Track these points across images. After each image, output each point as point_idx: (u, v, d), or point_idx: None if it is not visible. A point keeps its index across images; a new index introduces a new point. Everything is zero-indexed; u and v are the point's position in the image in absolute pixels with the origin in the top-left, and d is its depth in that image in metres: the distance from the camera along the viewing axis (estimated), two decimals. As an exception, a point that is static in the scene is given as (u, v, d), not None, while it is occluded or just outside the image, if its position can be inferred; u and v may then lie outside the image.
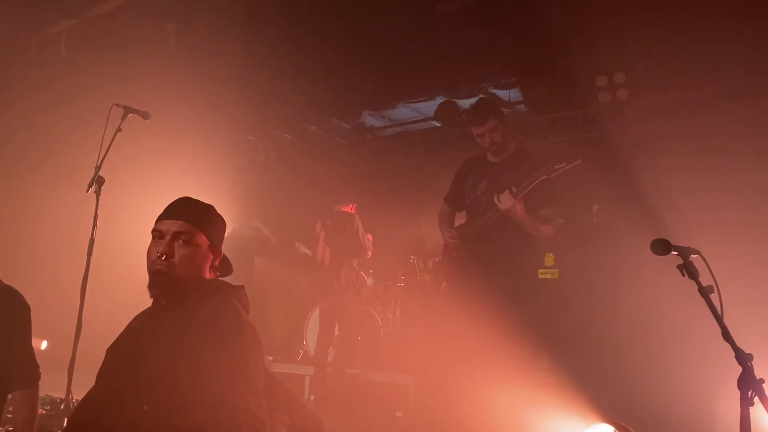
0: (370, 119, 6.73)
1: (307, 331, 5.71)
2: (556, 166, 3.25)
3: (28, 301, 2.91)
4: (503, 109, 5.89)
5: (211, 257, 1.96)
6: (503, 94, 5.93)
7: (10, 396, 2.81)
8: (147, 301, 1.97)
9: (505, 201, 3.26)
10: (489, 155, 3.63)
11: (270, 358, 5.55)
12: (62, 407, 3.49)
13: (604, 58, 4.93)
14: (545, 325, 4.05)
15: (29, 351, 2.81)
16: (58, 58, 5.78)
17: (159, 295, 1.89)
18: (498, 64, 5.38)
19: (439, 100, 6.10)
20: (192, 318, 1.83)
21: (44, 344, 5.01)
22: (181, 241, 1.88)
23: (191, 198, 2.01)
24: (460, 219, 3.85)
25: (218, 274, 2.00)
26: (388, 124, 6.82)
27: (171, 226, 1.89)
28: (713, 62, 4.61)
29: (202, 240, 1.92)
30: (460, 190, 3.74)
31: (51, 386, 3.45)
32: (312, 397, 5.21)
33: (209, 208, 2.01)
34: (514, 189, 3.27)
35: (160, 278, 1.85)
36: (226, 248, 2.06)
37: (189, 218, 1.91)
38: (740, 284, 2.45)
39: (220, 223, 2.02)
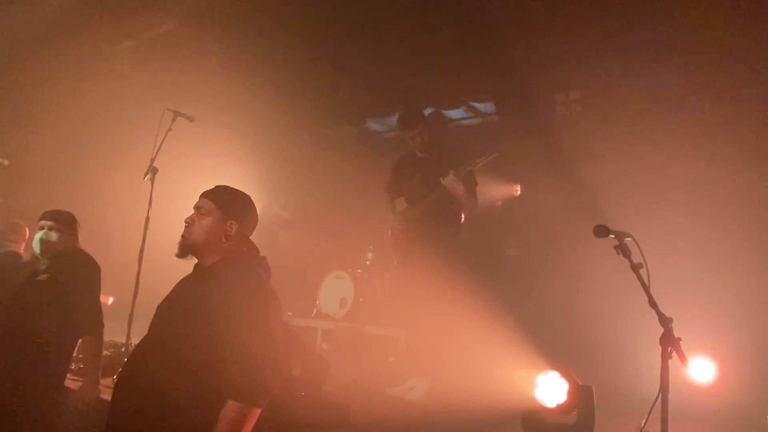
0: (372, 125, 6.70)
1: (321, 291, 5.70)
2: (477, 161, 3.36)
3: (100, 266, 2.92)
4: (479, 118, 5.90)
5: (225, 228, 1.92)
6: (480, 106, 5.89)
7: (80, 340, 2.83)
8: (189, 268, 1.99)
9: (451, 182, 3.35)
10: (417, 152, 3.65)
11: (290, 313, 5.55)
12: (123, 350, 3.51)
13: (560, 76, 4.92)
14: (510, 295, 4.08)
15: (97, 304, 2.82)
16: (120, 70, 5.76)
17: (180, 254, 1.92)
18: (475, 81, 5.36)
19: (428, 110, 6.06)
20: (223, 282, 1.83)
21: (111, 300, 5.03)
22: (199, 213, 1.91)
23: (224, 185, 2.02)
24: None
25: (236, 246, 1.94)
26: (387, 129, 6.78)
27: (198, 202, 1.95)
28: (655, 82, 4.59)
29: (215, 212, 1.91)
30: (398, 182, 3.76)
31: (115, 333, 3.48)
32: (324, 346, 5.23)
33: (232, 191, 2.01)
34: (453, 172, 3.35)
35: (181, 242, 1.91)
36: (257, 227, 2.05)
37: (210, 196, 1.95)
38: (666, 262, 2.45)
39: (241, 203, 2.00)
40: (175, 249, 1.92)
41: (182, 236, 1.90)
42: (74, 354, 2.89)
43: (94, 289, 2.82)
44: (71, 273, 2.73)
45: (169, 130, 3.67)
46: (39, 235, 2.76)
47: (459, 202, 3.49)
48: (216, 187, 2.00)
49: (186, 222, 1.92)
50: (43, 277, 2.72)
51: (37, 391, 2.56)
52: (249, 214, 2.01)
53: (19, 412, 2.50)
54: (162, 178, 3.63)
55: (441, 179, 3.40)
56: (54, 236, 2.76)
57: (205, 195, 1.96)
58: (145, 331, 1.90)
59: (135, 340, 3.40)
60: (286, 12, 4.66)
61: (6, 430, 2.47)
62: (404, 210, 3.73)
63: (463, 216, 3.66)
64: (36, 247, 2.77)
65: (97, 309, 2.80)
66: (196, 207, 1.93)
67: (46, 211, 2.85)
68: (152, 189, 3.60)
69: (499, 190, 5.48)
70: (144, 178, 3.60)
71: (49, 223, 2.78)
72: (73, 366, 2.93)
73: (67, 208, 2.97)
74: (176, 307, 1.88)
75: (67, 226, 2.82)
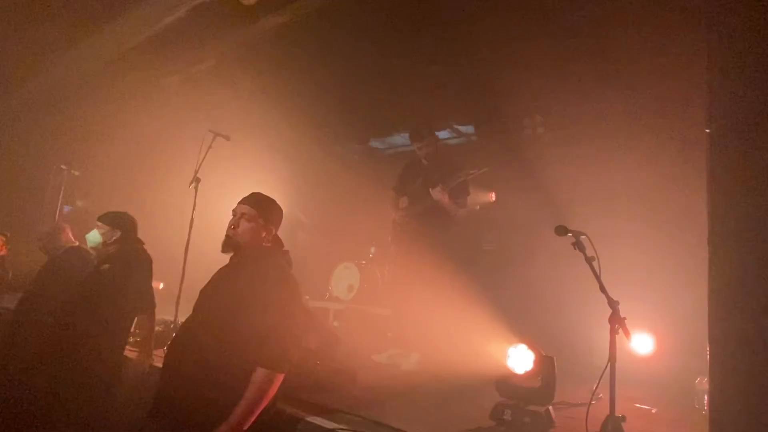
0: (374, 143, 6.68)
1: (332, 279, 5.69)
2: (471, 172, 3.32)
3: (151, 258, 2.92)
4: (462, 138, 5.87)
5: (264, 232, 1.92)
6: (462, 128, 5.88)
7: (136, 318, 2.82)
8: (226, 259, 1.98)
9: (437, 194, 3.31)
10: (423, 160, 3.64)
11: (307, 297, 5.53)
12: (171, 326, 3.50)
13: (527, 104, 4.93)
14: (486, 282, 4.05)
15: (150, 289, 2.82)
16: (170, 98, 5.76)
17: (225, 250, 1.90)
18: (458, 108, 5.37)
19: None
20: (253, 272, 1.83)
21: (161, 285, 5.00)
22: (244, 218, 1.88)
23: (259, 192, 2.00)
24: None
25: (269, 244, 1.95)
26: (387, 147, 6.77)
27: (241, 208, 1.92)
28: (604, 106, 4.60)
29: (258, 219, 1.90)
30: (404, 183, 3.74)
31: (165, 312, 3.46)
32: (335, 323, 5.22)
33: (268, 200, 1.99)
34: (441, 186, 3.32)
35: (227, 240, 1.88)
36: (281, 226, 2.03)
37: (252, 204, 1.92)
38: (614, 255, 2.44)
39: (275, 210, 1.99)
40: (220, 245, 1.89)
41: (227, 236, 1.88)
42: (132, 329, 2.89)
43: (147, 277, 2.82)
44: (128, 264, 2.74)
45: (210, 147, 3.66)
46: (95, 232, 2.78)
47: (447, 209, 3.46)
48: (255, 195, 1.97)
49: (232, 224, 1.89)
50: (105, 267, 2.73)
51: (102, 358, 2.56)
52: (280, 219, 2.01)
53: (88, 375, 2.50)
54: (204, 186, 3.62)
55: (430, 190, 3.37)
56: (108, 234, 2.76)
57: (249, 203, 1.92)
58: (190, 311, 1.90)
59: (181, 318, 3.39)
60: (304, 54, 4.69)
61: (76, 392, 2.47)
62: (406, 207, 3.68)
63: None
64: (94, 243, 2.79)
65: (149, 292, 2.80)
66: (241, 213, 1.89)
67: (102, 214, 2.86)
68: (196, 195, 3.59)
69: (477, 197, 5.45)
70: (189, 186, 3.59)
71: (103, 223, 2.78)
72: (131, 339, 2.94)
73: (127, 210, 2.97)
74: (216, 291, 1.88)
75: (118, 225, 2.82)
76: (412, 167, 3.77)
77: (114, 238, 2.76)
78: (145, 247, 2.89)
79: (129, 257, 2.76)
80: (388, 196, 3.84)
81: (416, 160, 3.76)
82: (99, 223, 2.81)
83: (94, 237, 2.84)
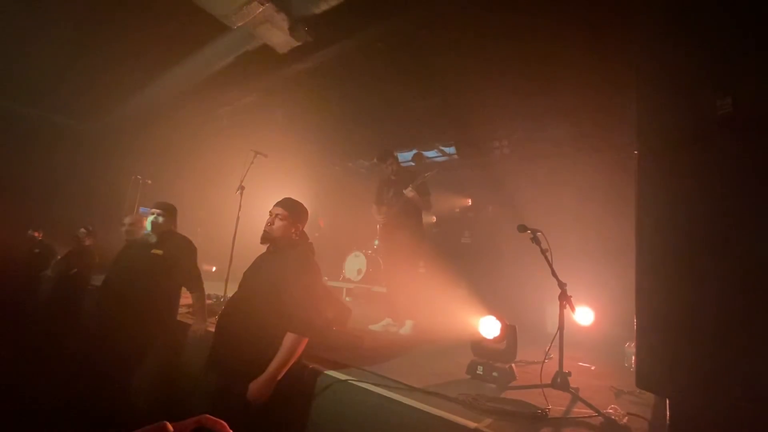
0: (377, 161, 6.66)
1: (345, 264, 5.70)
2: (425, 174, 3.39)
3: (206, 248, 2.84)
4: (446, 157, 5.85)
5: (294, 228, 1.90)
6: (446, 149, 5.87)
7: (191, 294, 2.72)
8: (264, 249, 1.97)
9: (409, 192, 3.35)
10: (391, 176, 3.65)
11: (326, 278, 5.53)
12: (221, 300, 3.49)
13: (495, 131, 4.93)
14: (464, 267, 4.04)
15: (197, 271, 2.72)
16: (222, 125, 5.76)
17: (263, 242, 1.88)
18: (444, 133, 5.37)
19: (414, 150, 6.06)
20: (285, 259, 1.82)
21: (214, 268, 5.00)
22: (278, 218, 1.87)
23: (290, 197, 1.99)
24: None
25: (298, 237, 1.94)
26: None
27: (275, 209, 1.90)
28: (554, 132, 4.60)
29: (289, 218, 1.88)
30: (380, 195, 3.74)
31: (216, 289, 3.46)
32: (347, 298, 5.21)
33: (297, 203, 1.98)
34: (411, 186, 3.36)
35: (265, 234, 1.86)
36: (307, 223, 2.02)
37: (284, 207, 1.90)
38: (562, 247, 2.43)
39: (303, 211, 1.97)
40: (259, 238, 1.88)
41: (265, 231, 1.86)
42: (189, 303, 2.84)
43: (194, 261, 2.69)
44: (178, 251, 2.62)
45: (252, 162, 3.66)
46: (150, 218, 2.67)
47: (417, 205, 3.50)
48: (287, 198, 1.95)
49: (268, 222, 1.87)
50: (158, 251, 2.59)
51: (156, 322, 2.49)
52: (306, 218, 2.00)
53: (145, 336, 2.43)
54: (247, 192, 3.62)
55: (403, 191, 3.42)
56: (160, 220, 2.65)
57: (282, 206, 1.90)
58: (236, 289, 1.90)
59: (229, 294, 3.38)
60: (324, 91, 4.70)
61: (137, 348, 2.43)
62: (385, 211, 3.71)
63: (423, 215, 3.63)
64: (148, 227, 2.67)
65: (198, 274, 2.69)
66: (276, 213, 1.88)
67: (156, 202, 2.73)
68: (241, 199, 3.58)
69: (457, 202, 5.46)
70: (236, 192, 3.59)
71: (158, 210, 2.67)
72: (189, 310, 2.90)
73: (188, 212, 2.91)
74: (256, 273, 1.88)
75: (169, 213, 2.70)
76: (384, 183, 3.80)
77: (160, 221, 2.69)
78: (191, 237, 2.77)
79: (178, 246, 2.64)
80: (371, 209, 3.85)
81: (386, 177, 3.79)
82: (158, 210, 2.69)
83: (156, 221, 2.77)
